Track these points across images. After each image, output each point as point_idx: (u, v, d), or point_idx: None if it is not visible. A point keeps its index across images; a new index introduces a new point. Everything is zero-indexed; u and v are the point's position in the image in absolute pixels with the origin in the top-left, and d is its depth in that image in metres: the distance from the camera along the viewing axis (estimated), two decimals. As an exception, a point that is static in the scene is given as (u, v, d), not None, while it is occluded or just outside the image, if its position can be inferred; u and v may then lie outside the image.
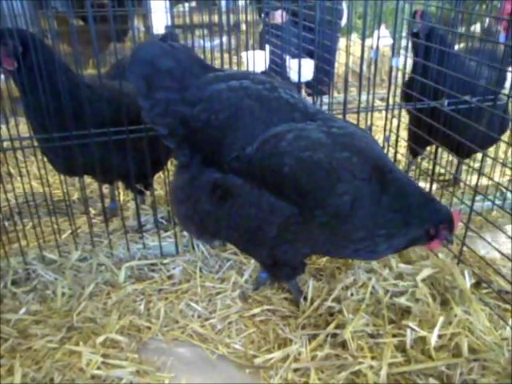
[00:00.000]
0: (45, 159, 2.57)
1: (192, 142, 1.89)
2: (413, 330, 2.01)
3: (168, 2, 3.20)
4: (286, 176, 1.77)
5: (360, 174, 1.77)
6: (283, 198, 1.80)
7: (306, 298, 2.26)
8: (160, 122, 1.89)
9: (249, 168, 1.81)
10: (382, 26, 4.64)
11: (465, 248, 2.41)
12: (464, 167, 2.97)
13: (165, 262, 2.58)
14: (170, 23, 3.45)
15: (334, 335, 2.07)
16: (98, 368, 1.95)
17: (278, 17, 4.33)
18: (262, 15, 4.22)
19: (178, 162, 2.05)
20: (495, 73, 2.69)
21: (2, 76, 3.23)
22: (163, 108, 1.85)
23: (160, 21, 4.07)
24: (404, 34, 2.89)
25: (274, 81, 1.97)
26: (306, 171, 1.77)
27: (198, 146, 1.89)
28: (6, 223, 2.78)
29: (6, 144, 2.51)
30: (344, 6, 4.45)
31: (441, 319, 2.02)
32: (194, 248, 2.65)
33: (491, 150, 3.04)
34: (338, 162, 1.76)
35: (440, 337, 1.98)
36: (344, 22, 4.67)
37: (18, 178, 2.73)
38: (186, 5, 2.55)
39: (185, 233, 2.72)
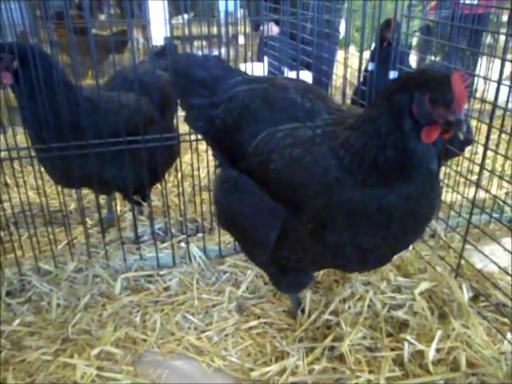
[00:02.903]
0: (42, 169, 2.56)
1: (218, 142, 2.03)
2: (410, 343, 1.99)
3: (167, 14, 3.22)
4: (272, 173, 1.75)
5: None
6: (279, 201, 1.76)
7: (303, 311, 2.25)
8: (196, 125, 2.09)
9: (249, 167, 1.84)
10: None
11: (462, 261, 2.40)
12: (462, 180, 2.98)
13: (161, 273, 2.57)
14: (168, 34, 3.47)
15: (332, 348, 2.05)
16: (93, 381, 1.93)
17: (267, 29, 4.35)
18: (261, 27, 4.26)
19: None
20: None
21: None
22: (196, 113, 2.03)
23: (159, 32, 4.10)
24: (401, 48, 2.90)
25: (291, 82, 2.01)
26: (286, 168, 1.72)
27: (221, 145, 2.01)
28: (2, 233, 2.75)
29: (3, 154, 2.51)
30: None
31: (438, 333, 2.00)
32: (190, 260, 2.64)
33: (488, 163, 3.05)
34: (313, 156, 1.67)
35: (438, 351, 1.96)
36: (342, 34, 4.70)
37: (15, 188, 2.71)
38: (185, 16, 2.56)
39: (182, 244, 2.71)
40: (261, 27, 4.36)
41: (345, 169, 1.58)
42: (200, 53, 2.44)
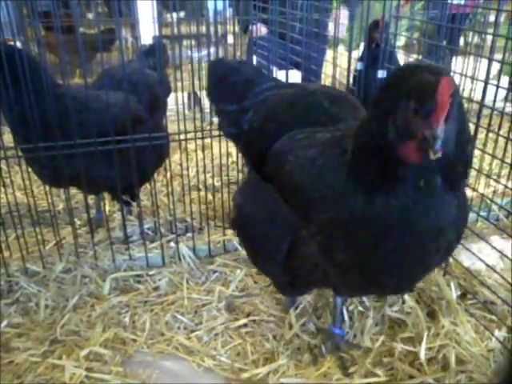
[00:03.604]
0: (29, 169, 2.54)
1: (246, 148, 2.03)
2: (401, 342, 2.01)
3: (156, 12, 3.20)
4: (286, 174, 1.68)
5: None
6: (290, 206, 1.67)
7: (296, 308, 2.24)
8: (227, 131, 2.10)
9: (268, 170, 1.81)
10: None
11: (450, 259, 2.42)
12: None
13: (151, 273, 2.55)
14: (157, 33, 3.45)
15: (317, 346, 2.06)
16: (82, 382, 1.91)
17: (255, 30, 4.35)
18: (250, 28, 4.26)
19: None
20: None
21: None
22: (228, 118, 2.05)
23: (148, 31, 4.07)
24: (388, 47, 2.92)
25: (324, 88, 2.01)
26: (298, 169, 1.65)
27: (249, 151, 2.02)
28: (-11, 234, 2.73)
29: (-11, 154, 2.48)
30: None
31: (426, 332, 2.02)
32: (180, 259, 2.63)
33: (475, 162, 3.07)
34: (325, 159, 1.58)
35: (429, 349, 1.98)
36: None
37: (2, 189, 2.68)
38: (174, 15, 2.55)
39: (171, 244, 2.70)
40: (250, 28, 4.36)
41: (348, 174, 1.49)
42: (189, 52, 2.43)
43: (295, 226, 1.64)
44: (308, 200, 1.58)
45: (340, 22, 2.92)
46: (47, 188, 2.63)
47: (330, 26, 4.53)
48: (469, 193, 2.59)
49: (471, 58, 3.48)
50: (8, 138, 2.58)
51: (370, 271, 1.55)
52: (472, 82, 3.06)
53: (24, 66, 2.19)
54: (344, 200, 1.46)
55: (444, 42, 3.13)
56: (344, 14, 3.94)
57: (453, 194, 1.43)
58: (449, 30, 3.26)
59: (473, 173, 2.99)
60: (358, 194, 1.43)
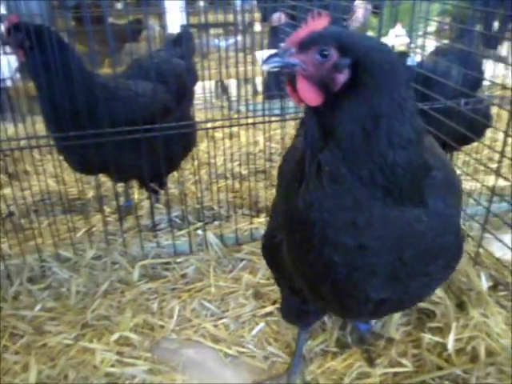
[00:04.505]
0: (61, 158, 2.59)
1: None
2: (429, 333, 1.99)
3: (183, 2, 3.20)
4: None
5: None
6: None
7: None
8: None
9: None
10: (398, 25, 4.60)
11: (481, 250, 2.37)
12: (481, 168, 2.93)
13: (178, 260, 2.59)
14: (185, 22, 3.46)
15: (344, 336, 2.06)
16: (112, 365, 1.96)
17: (276, 19, 4.33)
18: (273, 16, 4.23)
19: None
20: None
21: (19, 75, 3.28)
22: None
23: (175, 20, 4.08)
24: (420, 33, 2.85)
25: None
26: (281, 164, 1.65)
27: None
28: (23, 221, 2.81)
29: (23, 142, 2.54)
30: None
31: (456, 323, 1.99)
32: (207, 247, 2.65)
33: (509, 150, 2.99)
34: None
35: (458, 340, 1.95)
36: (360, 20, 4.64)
37: (35, 176, 2.75)
38: (201, 4, 2.55)
39: (199, 232, 2.72)
40: (273, 16, 4.33)
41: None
42: (216, 41, 2.43)
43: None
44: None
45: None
46: (78, 176, 2.68)
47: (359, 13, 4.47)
48: (501, 182, 2.53)
49: (506, 43, 3.38)
50: (40, 128, 2.63)
51: (306, 279, 1.40)
52: (506, 69, 2.97)
53: (53, 46, 2.23)
54: (288, 196, 1.34)
55: (478, 28, 3.04)
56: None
57: (405, 209, 1.18)
58: (483, 15, 3.17)
59: (506, 162, 2.92)
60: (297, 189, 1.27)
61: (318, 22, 1.15)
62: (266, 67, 1.13)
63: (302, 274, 1.40)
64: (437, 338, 1.97)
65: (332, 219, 1.18)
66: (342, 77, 1.11)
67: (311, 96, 1.15)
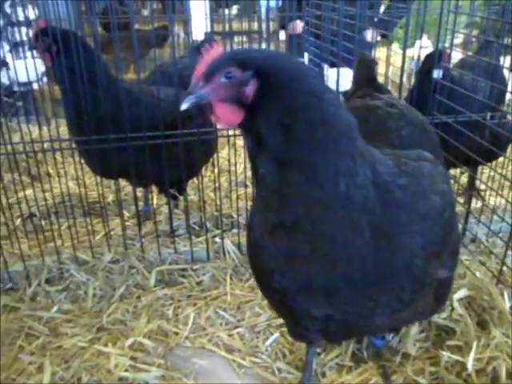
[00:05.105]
0: (82, 161, 2.62)
1: None
2: (448, 351, 1.94)
3: (208, 9, 3.23)
4: None
5: None
6: None
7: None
8: None
9: None
10: (424, 36, 4.55)
11: (504, 268, 2.31)
12: (507, 183, 2.86)
13: (195, 267, 2.58)
14: (209, 29, 3.48)
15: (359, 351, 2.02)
16: (126, 370, 1.95)
17: (296, 27, 4.32)
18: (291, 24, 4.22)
19: None
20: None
21: (45, 78, 3.34)
22: None
23: (200, 27, 4.11)
24: (447, 45, 2.81)
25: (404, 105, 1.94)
26: None
27: None
28: (43, 222, 2.84)
29: (46, 145, 2.58)
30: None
31: (477, 342, 1.93)
32: (224, 255, 2.64)
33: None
34: None
35: (478, 360, 1.89)
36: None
37: (56, 179, 2.78)
38: (226, 11, 2.56)
39: (217, 239, 2.71)
40: (291, 24, 4.33)
41: None
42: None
43: None
44: None
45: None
46: (98, 179, 2.70)
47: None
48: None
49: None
50: (64, 131, 2.67)
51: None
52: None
53: (79, 51, 2.26)
54: None
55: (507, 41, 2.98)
56: None
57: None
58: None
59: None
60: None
61: (213, 52, 1.24)
62: (184, 106, 1.21)
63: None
64: (456, 357, 1.92)
65: (261, 223, 1.27)
66: (251, 87, 1.18)
67: (232, 116, 1.22)
